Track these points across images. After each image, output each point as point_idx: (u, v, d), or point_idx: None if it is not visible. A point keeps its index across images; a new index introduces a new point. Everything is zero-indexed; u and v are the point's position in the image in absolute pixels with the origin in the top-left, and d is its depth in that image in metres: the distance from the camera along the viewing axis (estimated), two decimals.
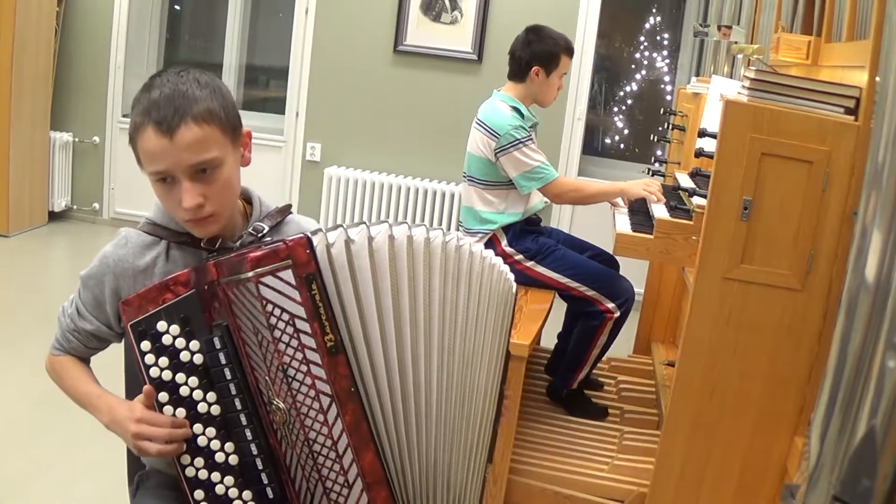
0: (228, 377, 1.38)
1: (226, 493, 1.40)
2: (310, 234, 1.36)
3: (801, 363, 2.21)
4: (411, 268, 1.42)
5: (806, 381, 2.21)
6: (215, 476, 1.40)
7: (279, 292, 1.33)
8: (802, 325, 2.19)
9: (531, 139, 3.12)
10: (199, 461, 1.39)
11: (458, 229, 3.60)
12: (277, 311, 1.33)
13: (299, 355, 1.34)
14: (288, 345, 1.34)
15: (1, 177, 5.14)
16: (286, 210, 1.59)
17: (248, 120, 6.22)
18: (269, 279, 1.32)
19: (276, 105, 5.68)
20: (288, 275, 1.33)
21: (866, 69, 2.10)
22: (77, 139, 5.68)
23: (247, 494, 1.40)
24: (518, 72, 3.24)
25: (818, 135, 2.11)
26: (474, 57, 5.19)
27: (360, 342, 1.39)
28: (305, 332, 1.34)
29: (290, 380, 1.35)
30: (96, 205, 5.77)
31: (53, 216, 5.66)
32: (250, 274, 1.32)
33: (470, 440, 1.52)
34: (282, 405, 1.36)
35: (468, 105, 4.40)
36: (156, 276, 1.48)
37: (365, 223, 1.42)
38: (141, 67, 5.73)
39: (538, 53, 3.19)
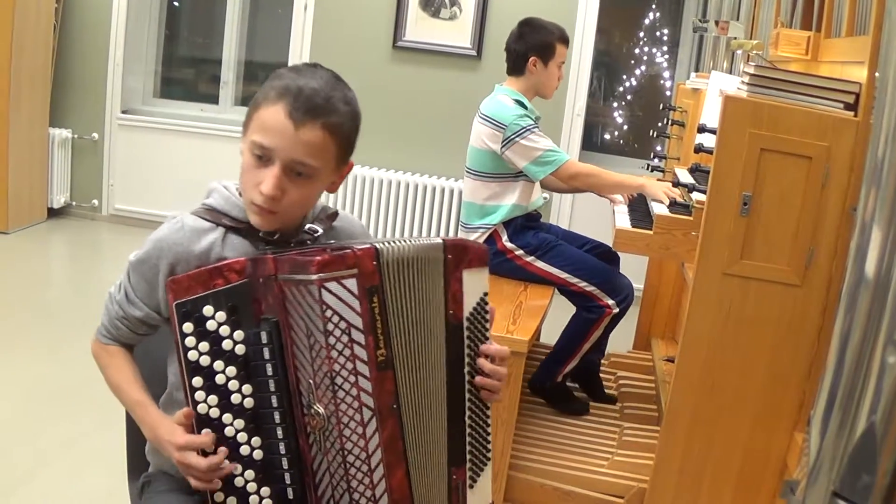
0: (269, 373, 1.37)
1: (244, 486, 1.39)
2: (378, 245, 1.35)
3: (800, 359, 2.21)
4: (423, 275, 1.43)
5: (805, 377, 2.21)
6: (236, 468, 1.39)
7: (340, 299, 1.30)
8: (802, 321, 2.19)
9: (537, 127, 3.11)
10: (221, 449, 1.38)
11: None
12: (336, 319, 1.30)
13: (350, 365, 1.32)
14: (340, 353, 1.31)
15: (0, 173, 5.14)
16: (334, 216, 1.58)
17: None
18: (332, 285, 1.30)
19: None
20: (352, 283, 1.31)
21: (866, 65, 2.10)
22: (76, 136, 5.67)
23: (265, 491, 1.39)
24: (516, 65, 3.24)
25: (818, 130, 2.11)
26: (473, 53, 5.19)
27: (406, 358, 1.39)
28: (359, 344, 1.32)
29: (336, 388, 1.32)
30: (95, 201, 5.76)
31: (52, 213, 5.66)
32: (314, 277, 1.29)
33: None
34: (321, 410, 1.33)
35: (468, 101, 4.40)
36: (210, 262, 1.45)
37: (421, 237, 1.43)
38: (140, 64, 5.72)
39: (533, 44, 3.20)
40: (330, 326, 1.30)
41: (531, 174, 3.11)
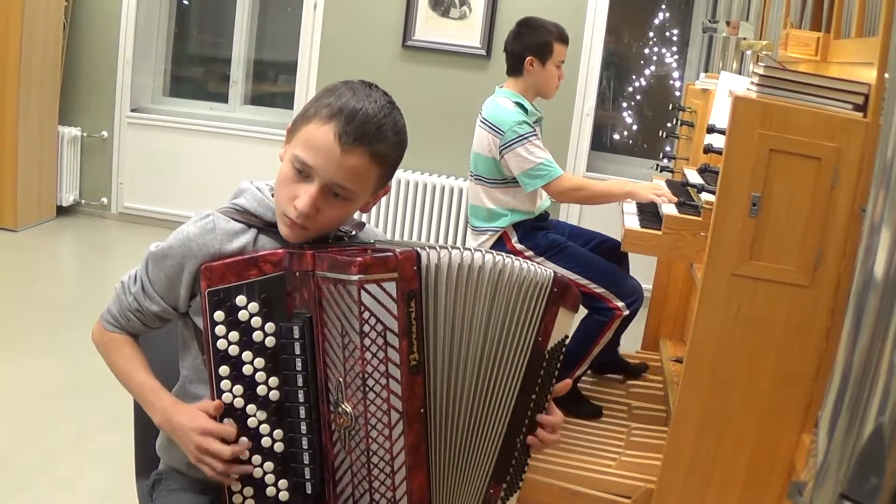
0: (298, 368, 1.37)
1: (262, 477, 1.40)
2: (419, 251, 1.36)
3: (808, 360, 2.20)
4: (508, 294, 1.44)
5: (814, 378, 2.21)
6: (256, 458, 1.39)
7: (379, 302, 1.31)
8: (810, 322, 2.19)
9: (535, 135, 3.10)
10: (243, 440, 1.39)
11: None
12: (372, 320, 1.31)
13: (382, 367, 1.33)
14: (374, 355, 1.32)
15: (9, 171, 5.15)
16: (361, 226, 1.58)
17: (257, 115, 6.22)
18: (372, 287, 1.31)
19: (285, 100, 5.69)
20: (392, 287, 1.32)
21: (875, 65, 2.09)
22: (85, 133, 5.69)
23: (283, 483, 1.40)
24: (514, 66, 3.23)
25: (827, 131, 2.11)
26: (483, 52, 5.19)
27: (439, 365, 1.39)
28: (393, 347, 1.33)
29: (367, 389, 1.33)
30: (104, 199, 5.78)
31: (61, 210, 5.68)
32: (355, 277, 1.30)
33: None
34: (349, 409, 1.34)
35: (477, 100, 4.40)
36: None
37: (467, 248, 1.42)
38: (149, 62, 5.74)
39: (530, 44, 3.19)
40: (366, 328, 1.31)
41: (522, 184, 3.10)
